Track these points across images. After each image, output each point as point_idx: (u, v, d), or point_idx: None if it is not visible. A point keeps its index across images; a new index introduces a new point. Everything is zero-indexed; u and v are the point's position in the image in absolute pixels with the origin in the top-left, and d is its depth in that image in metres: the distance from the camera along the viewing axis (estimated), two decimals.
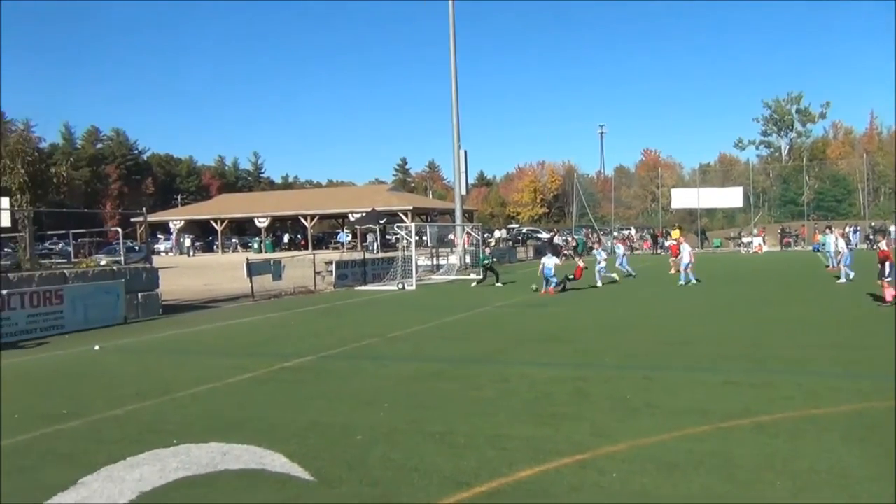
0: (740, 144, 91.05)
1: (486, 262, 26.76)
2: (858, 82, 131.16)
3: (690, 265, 24.44)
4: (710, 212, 72.01)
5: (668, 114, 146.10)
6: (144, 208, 24.57)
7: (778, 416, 7.36)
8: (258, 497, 5.45)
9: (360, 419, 7.74)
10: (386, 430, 7.21)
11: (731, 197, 64.02)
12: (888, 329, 12.99)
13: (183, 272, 38.92)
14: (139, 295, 18.61)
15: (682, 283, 24.03)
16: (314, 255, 29.11)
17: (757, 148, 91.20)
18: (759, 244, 51.19)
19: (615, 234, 61.92)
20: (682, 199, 65.65)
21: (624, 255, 29.86)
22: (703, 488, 5.40)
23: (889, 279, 16.68)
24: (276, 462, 6.25)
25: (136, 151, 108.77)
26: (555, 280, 22.50)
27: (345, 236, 66.21)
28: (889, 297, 16.29)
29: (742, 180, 70.79)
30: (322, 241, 67.91)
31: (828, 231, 32.61)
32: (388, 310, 19.60)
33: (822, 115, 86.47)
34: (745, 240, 54.37)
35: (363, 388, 9.36)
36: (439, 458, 6.26)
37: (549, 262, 22.99)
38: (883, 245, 18.26)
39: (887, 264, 16.74)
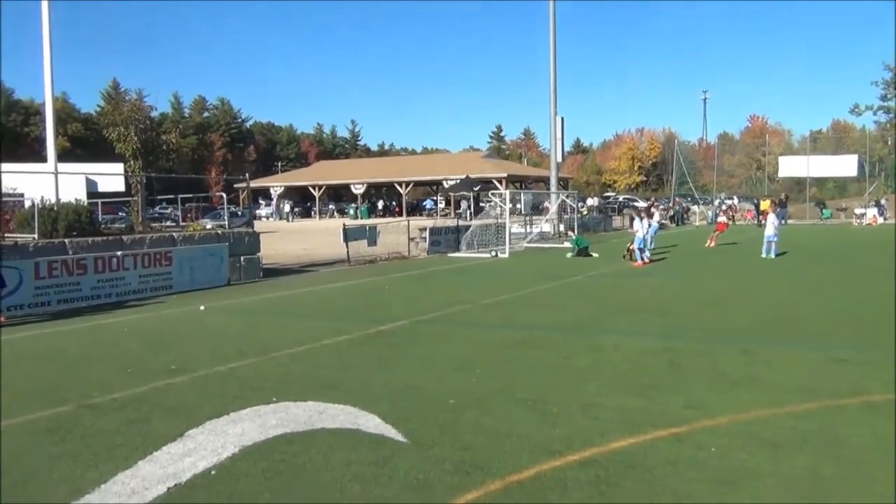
0: (857, 110, 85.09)
1: (581, 244, 25.49)
2: None
3: (775, 239, 23.14)
4: (819, 181, 68.33)
5: (778, 78, 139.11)
6: (247, 174, 25.32)
7: (889, 396, 6.96)
8: (353, 456, 5.59)
9: (452, 384, 7.81)
10: (477, 396, 7.24)
11: (844, 165, 60.46)
12: None
13: (283, 237, 40.14)
14: (241, 258, 19.32)
15: (763, 255, 22.87)
16: (408, 221, 29.41)
17: (875, 114, 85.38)
18: (874, 216, 48.25)
19: (716, 203, 59.66)
20: (791, 167, 62.51)
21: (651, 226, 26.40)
22: (809, 469, 5.18)
23: None
24: (371, 423, 6.39)
25: (240, 120, 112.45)
26: (642, 248, 21.78)
27: (431, 203, 66.72)
28: None
29: (857, 148, 66.71)
30: (416, 208, 68.59)
31: None
32: (480, 277, 19.64)
33: None
34: (857, 211, 51.34)
35: (455, 354, 9.44)
36: (531, 425, 6.25)
37: (638, 227, 22.42)
38: None
39: None
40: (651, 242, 24.78)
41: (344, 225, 24.79)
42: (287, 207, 69.22)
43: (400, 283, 18.39)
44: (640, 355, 9.10)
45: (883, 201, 54.72)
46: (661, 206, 48.86)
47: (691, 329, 11.02)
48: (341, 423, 6.41)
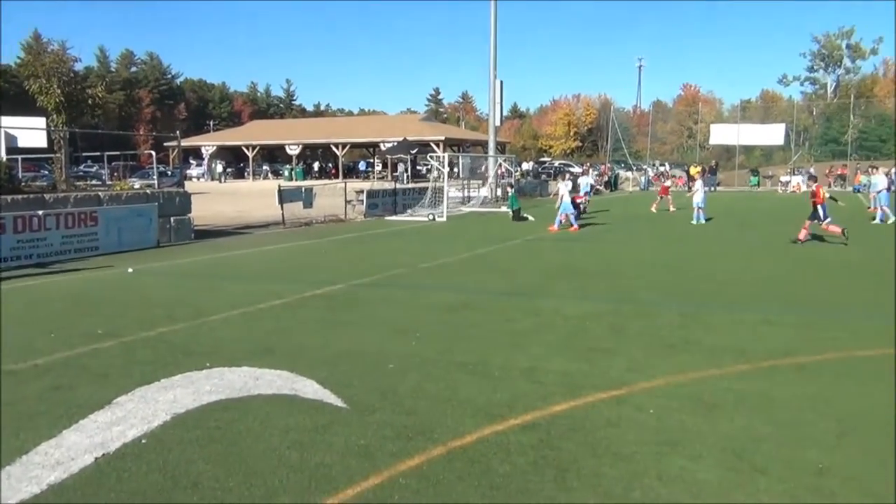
0: (785, 80, 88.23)
1: (515, 207, 25.65)
2: None
3: (703, 206, 23.64)
4: (748, 149, 70.23)
5: (711, 48, 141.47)
6: (178, 132, 24.35)
7: (820, 357, 7.17)
8: (291, 422, 5.43)
9: (392, 348, 7.69)
10: (418, 360, 7.14)
11: (771, 134, 62.29)
12: None
13: (215, 198, 39.09)
14: (172, 219, 18.68)
15: (693, 222, 23.38)
16: (345, 183, 28.97)
17: (802, 84, 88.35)
18: (798, 183, 49.94)
19: (649, 169, 60.83)
20: (721, 135, 64.10)
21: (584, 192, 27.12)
22: (744, 429, 5.26)
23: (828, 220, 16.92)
24: (309, 388, 6.23)
25: (170, 76, 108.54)
26: (569, 212, 21.81)
27: (365, 165, 66.24)
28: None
29: (784, 118, 68.76)
30: (352, 170, 67.75)
31: (872, 171, 31.59)
32: (418, 240, 19.51)
33: (874, 52, 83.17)
34: (783, 178, 53.02)
35: (395, 317, 9.31)
36: (472, 389, 6.19)
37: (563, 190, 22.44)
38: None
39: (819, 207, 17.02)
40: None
41: (279, 186, 24.25)
42: (220, 168, 67.36)
43: (337, 246, 18.11)
44: (581, 318, 9.14)
45: (812, 170, 56.64)
46: (596, 172, 49.41)
47: (631, 293, 11.14)
48: (278, 389, 6.23)
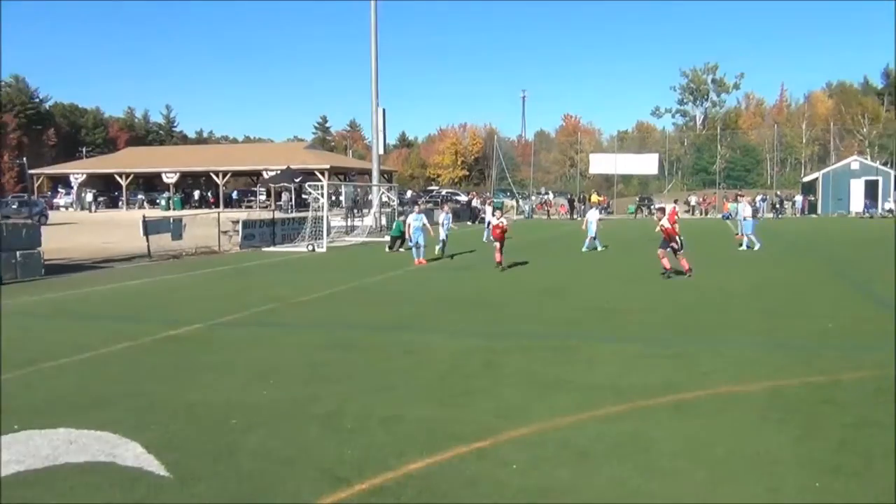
0: (657, 112, 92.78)
1: (395, 234, 24.43)
2: (771, 55, 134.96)
3: (597, 233, 23.85)
4: (625, 178, 72.97)
5: (590, 80, 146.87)
6: (24, 159, 22.48)
7: (699, 392, 6.88)
8: (98, 498, 4.55)
9: (245, 397, 6.89)
10: (269, 412, 6.37)
11: (647, 163, 65.08)
12: (795, 297, 12.95)
13: (82, 229, 36.57)
14: (17, 253, 16.95)
15: (585, 249, 23.34)
16: (219, 213, 27.60)
17: (673, 116, 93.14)
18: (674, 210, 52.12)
19: (533, 198, 62.04)
20: (600, 164, 66.36)
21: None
22: (614, 480, 4.80)
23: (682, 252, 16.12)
24: (130, 453, 5.34)
25: (38, 100, 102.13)
26: (421, 244, 20.14)
27: (239, 194, 64.85)
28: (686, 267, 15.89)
29: (658, 148, 71.99)
30: (237, 200, 65.49)
31: (739, 199, 33.10)
32: (295, 272, 18.60)
33: (736, 86, 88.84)
34: (657, 205, 55.06)
35: (254, 361, 8.47)
36: (322, 445, 5.48)
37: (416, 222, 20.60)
38: (666, 222, 16.14)
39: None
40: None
41: (144, 216, 22.71)
42: (89, 197, 63.51)
43: (204, 280, 16.94)
44: (458, 355, 8.61)
45: (693, 200, 59.46)
46: (483, 200, 49.86)
47: (511, 324, 10.74)
48: (93, 455, 5.31)
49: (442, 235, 22.17)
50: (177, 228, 22.93)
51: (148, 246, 21.59)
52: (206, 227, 25.46)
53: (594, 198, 53.40)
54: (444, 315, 11.69)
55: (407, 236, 20.89)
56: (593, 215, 24.50)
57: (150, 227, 21.70)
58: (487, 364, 8.16)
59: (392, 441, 5.54)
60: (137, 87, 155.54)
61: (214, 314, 11.72)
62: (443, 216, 23.11)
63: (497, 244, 18.31)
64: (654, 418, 6.15)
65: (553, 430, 5.84)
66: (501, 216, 19.52)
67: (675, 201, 30.92)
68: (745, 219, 24.56)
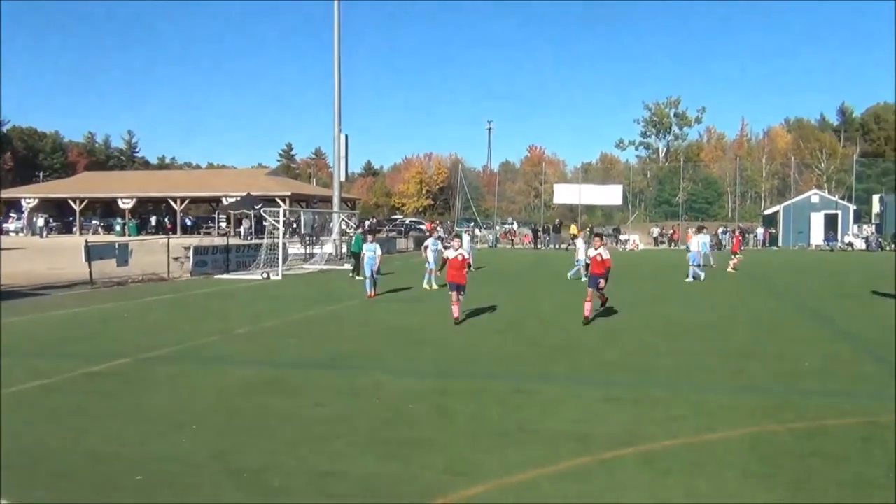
0: (621, 145, 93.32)
1: (356, 250, 23.42)
2: (732, 90, 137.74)
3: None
4: (589, 209, 73.08)
5: (555, 112, 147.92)
6: None
7: (668, 443, 6.18)
8: None
9: (158, 447, 6.02)
10: (181, 467, 5.51)
11: (611, 194, 65.25)
12: (762, 336, 12.42)
13: (29, 254, 35.02)
14: None
15: (582, 278, 22.76)
16: (168, 239, 26.48)
17: (636, 149, 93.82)
18: (635, 242, 52.29)
19: (497, 227, 61.73)
20: (565, 194, 66.38)
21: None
22: None
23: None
24: None
25: None
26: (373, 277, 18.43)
27: (192, 221, 63.68)
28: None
29: (621, 179, 72.35)
30: (192, 227, 64.01)
31: (704, 231, 32.95)
32: (244, 302, 17.62)
33: (698, 120, 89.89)
34: (622, 237, 55.13)
35: (177, 403, 7.57)
36: None
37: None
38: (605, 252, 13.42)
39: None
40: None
41: (86, 241, 21.55)
42: (41, 222, 61.53)
43: (145, 310, 15.90)
44: (405, 398, 7.80)
45: (655, 231, 59.59)
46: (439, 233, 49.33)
47: (467, 362, 9.97)
48: None
49: (430, 264, 20.65)
50: (122, 254, 21.80)
51: (90, 272, 20.43)
52: (157, 253, 24.37)
53: (574, 230, 53.83)
54: (392, 350, 10.87)
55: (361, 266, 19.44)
56: (580, 244, 24.19)
57: (93, 253, 20.56)
58: (437, 409, 7.37)
59: None
60: (99, 111, 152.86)
61: (145, 348, 10.78)
62: (430, 241, 21.80)
63: (454, 293, 13.29)
64: (621, 474, 5.41)
65: (507, 489, 5.07)
66: (460, 246, 14.19)
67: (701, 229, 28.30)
68: (690, 253, 24.32)
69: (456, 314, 13.29)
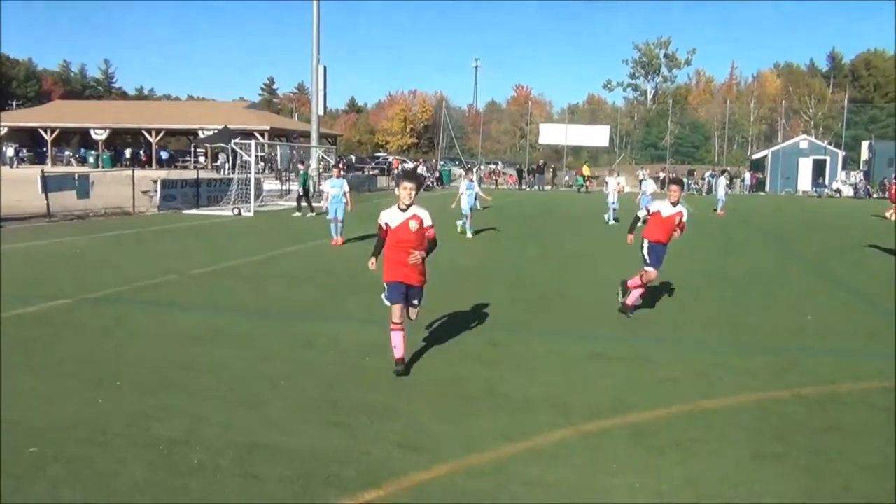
0: (609, 86, 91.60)
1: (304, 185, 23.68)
2: (723, 33, 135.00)
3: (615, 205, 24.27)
4: (575, 150, 71.89)
5: (543, 51, 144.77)
6: None
7: (661, 412, 5.39)
8: None
9: (71, 410, 5.18)
10: (86, 435, 4.65)
11: (598, 135, 64.08)
12: (757, 292, 11.69)
13: None
14: None
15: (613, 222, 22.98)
16: (133, 171, 25.26)
17: (624, 90, 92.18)
18: (620, 184, 51.44)
19: (481, 167, 60.62)
20: (551, 135, 65.14)
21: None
22: None
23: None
24: None
25: None
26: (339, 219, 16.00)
27: (168, 154, 62.32)
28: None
29: (608, 122, 70.98)
30: (168, 160, 62.29)
31: (712, 173, 32.31)
32: (209, 239, 16.67)
33: (688, 62, 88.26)
34: (608, 179, 54.10)
35: (108, 354, 6.70)
36: (146, 494, 3.81)
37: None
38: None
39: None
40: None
41: (43, 171, 20.37)
42: (10, 152, 59.54)
43: (102, 246, 14.91)
44: (361, 351, 6.96)
45: (641, 174, 58.65)
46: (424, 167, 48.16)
47: (438, 310, 9.10)
48: None
49: (465, 208, 18.39)
50: (83, 186, 20.64)
51: (48, 204, 19.31)
52: (124, 186, 23.21)
53: (586, 170, 53.45)
54: (358, 295, 9.91)
55: (324, 207, 16.80)
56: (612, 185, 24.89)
57: (50, 184, 19.41)
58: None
59: (246, 488, 3.90)
60: (75, 39, 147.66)
61: (89, 287, 9.87)
62: (464, 184, 19.17)
63: (396, 307, 6.39)
64: (606, 452, 4.62)
65: (468, 473, 4.26)
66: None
67: None
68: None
69: (400, 352, 6.37)
